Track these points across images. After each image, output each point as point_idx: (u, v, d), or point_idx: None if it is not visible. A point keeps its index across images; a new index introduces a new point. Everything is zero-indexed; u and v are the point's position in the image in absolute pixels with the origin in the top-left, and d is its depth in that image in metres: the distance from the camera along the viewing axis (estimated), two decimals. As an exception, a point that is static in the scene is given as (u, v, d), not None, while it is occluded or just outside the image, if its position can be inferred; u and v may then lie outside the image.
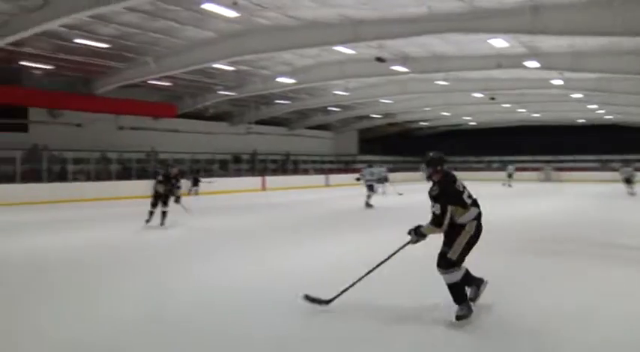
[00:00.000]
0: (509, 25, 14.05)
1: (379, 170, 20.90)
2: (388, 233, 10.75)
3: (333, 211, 16.08)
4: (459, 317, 4.73)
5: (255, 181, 28.29)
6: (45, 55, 18.43)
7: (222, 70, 21.52)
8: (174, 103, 27.37)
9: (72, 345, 4.35)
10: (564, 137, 41.09)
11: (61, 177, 21.39)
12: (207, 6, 13.67)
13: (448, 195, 4.80)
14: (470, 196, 4.94)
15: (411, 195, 20.91)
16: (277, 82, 23.43)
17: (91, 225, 12.37)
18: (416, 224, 5.03)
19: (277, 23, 15.80)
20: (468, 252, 4.85)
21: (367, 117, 38.80)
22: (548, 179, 38.14)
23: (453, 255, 4.75)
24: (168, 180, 11.62)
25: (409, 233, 4.98)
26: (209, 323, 4.82)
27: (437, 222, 4.79)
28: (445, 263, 4.78)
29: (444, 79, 23.96)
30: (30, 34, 14.62)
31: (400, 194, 21.89)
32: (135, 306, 5.40)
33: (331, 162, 38.41)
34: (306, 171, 34.56)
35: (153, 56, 19.04)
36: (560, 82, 23.14)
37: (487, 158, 44.76)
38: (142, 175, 23.93)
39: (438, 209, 4.77)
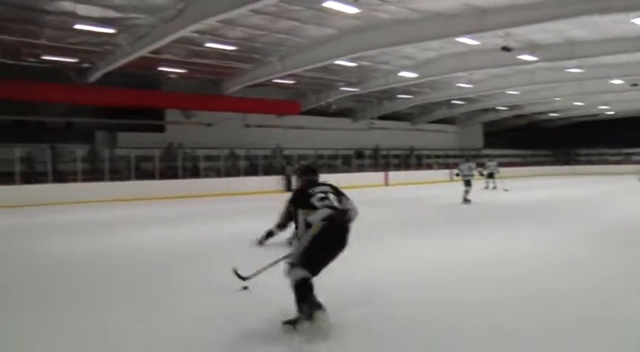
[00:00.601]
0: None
1: (491, 163, 22.02)
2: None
3: (457, 206, 15.60)
4: (285, 322, 4.50)
5: (377, 176, 28.24)
6: (179, 60, 19.67)
7: (344, 66, 21.68)
8: (298, 101, 28.04)
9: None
10: None
11: (194, 173, 22.71)
12: (328, 4, 13.81)
13: (296, 200, 4.89)
14: (323, 199, 4.75)
15: (517, 193, 19.71)
16: (399, 76, 23.19)
17: (224, 218, 13.01)
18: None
19: (398, 17, 15.59)
20: (319, 255, 4.52)
21: (492, 109, 37.34)
22: None
23: (293, 254, 4.56)
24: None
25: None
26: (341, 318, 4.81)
27: (280, 221, 5.08)
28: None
29: (577, 66, 22.36)
30: (167, 42, 15.69)
31: (506, 190, 21.02)
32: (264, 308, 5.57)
33: (455, 156, 37.35)
34: (429, 166, 33.91)
35: (277, 56, 19.63)
36: None
37: (625, 150, 41.21)
38: (268, 171, 24.79)
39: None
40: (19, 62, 18.17)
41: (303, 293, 4.37)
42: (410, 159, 33.75)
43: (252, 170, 24.75)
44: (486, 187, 21.95)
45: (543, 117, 42.67)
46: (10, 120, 21.05)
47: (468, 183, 16.21)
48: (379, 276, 6.38)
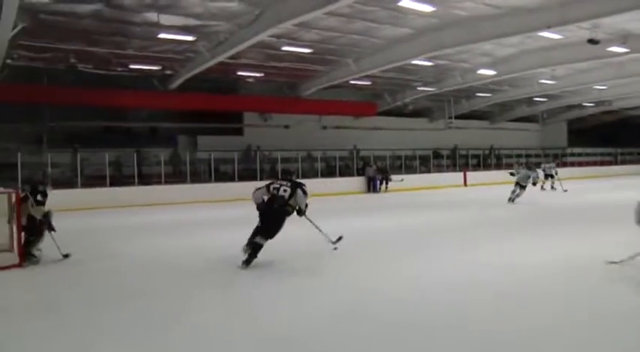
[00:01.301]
0: None
1: (549, 165, 22.55)
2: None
3: (538, 208, 15.08)
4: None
5: (456, 177, 27.68)
6: (256, 64, 20.07)
7: (421, 65, 21.40)
8: (375, 102, 27.96)
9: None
10: None
11: (272, 175, 23.02)
12: (403, 3, 13.69)
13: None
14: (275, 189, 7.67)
15: (603, 194, 18.72)
16: (477, 74, 22.63)
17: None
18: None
19: (475, 13, 15.21)
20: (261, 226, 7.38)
21: (577, 106, 35.61)
22: None
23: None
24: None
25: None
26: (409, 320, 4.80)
27: None
28: None
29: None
30: (244, 47, 16.10)
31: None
32: (337, 303, 5.59)
33: (538, 155, 35.98)
34: (510, 166, 32.77)
35: (353, 57, 19.65)
36: None
37: None
38: (344, 172, 24.86)
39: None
40: (109, 72, 19.21)
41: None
42: (489, 159, 32.81)
43: (329, 171, 24.91)
44: (543, 188, 21.51)
45: (635, 112, 40.23)
46: (100, 127, 22.29)
47: (521, 187, 16.38)
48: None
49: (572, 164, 33.17)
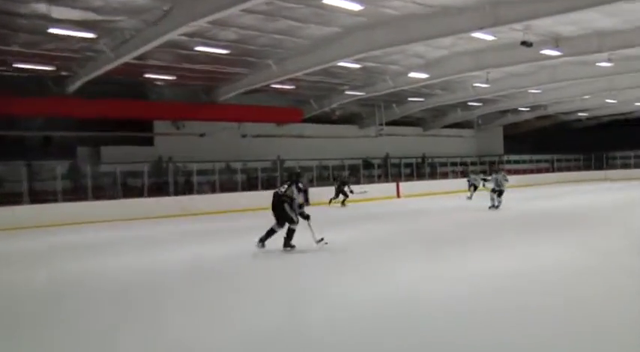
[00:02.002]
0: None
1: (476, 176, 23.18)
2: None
3: (476, 220, 15.50)
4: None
5: (388, 188, 28.14)
6: (167, 65, 19.72)
7: (349, 68, 21.66)
8: (299, 107, 28.06)
9: None
10: None
11: (187, 189, 22.66)
12: (328, 0, 13.77)
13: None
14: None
15: (542, 202, 19.61)
16: (409, 77, 23.17)
17: (214, 239, 12.95)
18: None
19: (406, 12, 15.56)
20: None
21: (513, 111, 37.28)
22: None
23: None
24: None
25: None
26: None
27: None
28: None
29: (608, 60, 22.16)
30: (153, 47, 15.73)
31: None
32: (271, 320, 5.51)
33: (474, 163, 37.25)
34: (445, 175, 33.76)
35: (274, 58, 19.64)
36: None
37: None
38: (268, 185, 24.71)
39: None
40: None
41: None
42: (423, 168, 33.64)
43: (250, 184, 24.72)
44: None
45: (571, 117, 42.51)
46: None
47: (499, 192, 17.67)
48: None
49: (509, 171, 34.37)
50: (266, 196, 22.19)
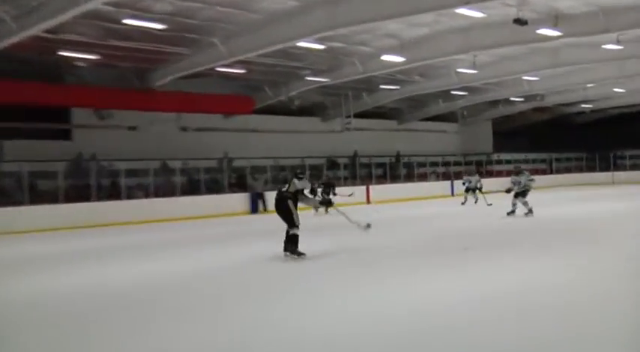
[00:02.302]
0: None
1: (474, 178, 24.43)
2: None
3: (459, 231, 15.63)
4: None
5: (356, 192, 28.11)
6: (89, 42, 19.31)
7: (310, 49, 21.58)
8: (251, 96, 27.89)
9: None
10: None
11: (114, 193, 22.34)
12: (285, -34, 13.72)
13: None
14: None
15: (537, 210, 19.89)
16: (381, 61, 23.14)
17: (144, 256, 12.77)
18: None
19: (378, -18, 15.61)
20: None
21: (504, 101, 37.69)
22: None
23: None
24: None
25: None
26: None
27: None
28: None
29: (616, 41, 22.54)
30: (70, 17, 15.31)
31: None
32: None
33: (458, 163, 37.61)
34: (423, 177, 33.95)
35: (221, 36, 19.46)
36: None
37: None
38: (213, 189, 24.55)
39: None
40: None
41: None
42: (398, 169, 33.76)
43: (191, 187, 24.53)
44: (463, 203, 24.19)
45: (572, 109, 43.10)
46: None
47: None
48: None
49: (500, 173, 34.77)
50: (209, 201, 22.60)
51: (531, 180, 18.35)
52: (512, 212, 18.05)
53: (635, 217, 18.25)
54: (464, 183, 24.62)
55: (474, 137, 41.20)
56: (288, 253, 10.87)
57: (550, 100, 37.81)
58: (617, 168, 42.52)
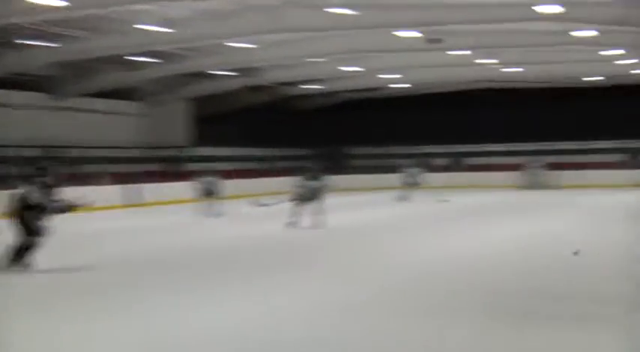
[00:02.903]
0: None
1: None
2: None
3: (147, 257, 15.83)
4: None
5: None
6: None
7: None
8: None
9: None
10: (566, 109, 42.61)
11: None
12: None
13: None
14: None
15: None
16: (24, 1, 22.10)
17: None
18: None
19: None
20: None
21: (207, 75, 38.26)
22: (536, 184, 39.60)
23: None
24: None
25: None
26: None
27: None
28: None
29: (347, 5, 23.60)
30: None
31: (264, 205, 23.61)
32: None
33: (143, 160, 37.42)
34: (97, 179, 33.17)
35: None
36: (558, 9, 23.29)
37: (417, 148, 45.36)
38: None
39: None
40: None
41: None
42: (53, 168, 32.70)
43: None
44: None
45: (297, 90, 44.75)
46: None
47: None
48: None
49: (199, 173, 35.03)
50: None
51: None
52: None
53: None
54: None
55: (164, 123, 40.77)
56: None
57: (270, 77, 38.97)
58: (349, 170, 45.61)
